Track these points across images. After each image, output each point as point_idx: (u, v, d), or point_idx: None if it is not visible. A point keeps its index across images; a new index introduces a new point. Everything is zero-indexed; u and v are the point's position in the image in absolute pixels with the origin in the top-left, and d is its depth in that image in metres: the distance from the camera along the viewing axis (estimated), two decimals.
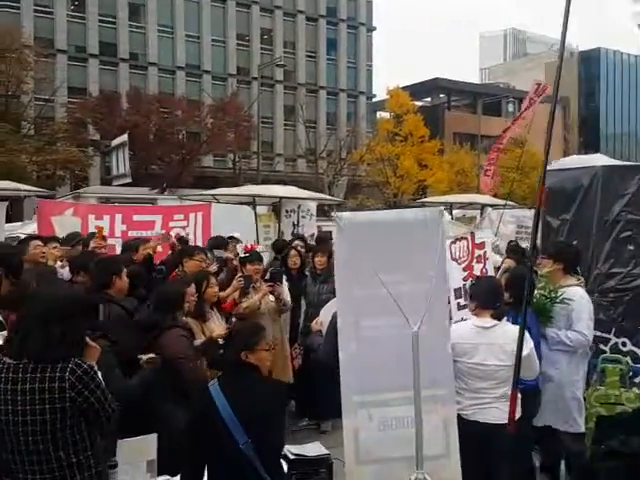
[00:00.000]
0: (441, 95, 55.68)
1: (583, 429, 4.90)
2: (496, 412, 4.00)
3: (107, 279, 4.35)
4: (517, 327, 4.09)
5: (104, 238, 6.36)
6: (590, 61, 70.76)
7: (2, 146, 26.48)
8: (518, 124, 11.18)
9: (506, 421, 3.95)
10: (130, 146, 26.75)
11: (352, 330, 3.73)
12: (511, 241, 9.70)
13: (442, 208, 3.82)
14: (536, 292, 4.77)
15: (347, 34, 51.07)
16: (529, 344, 4.00)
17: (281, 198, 13.14)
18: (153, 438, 3.20)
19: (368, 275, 3.68)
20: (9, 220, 9.65)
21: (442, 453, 3.84)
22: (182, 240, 7.64)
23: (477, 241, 6.36)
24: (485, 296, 4.23)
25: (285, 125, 47.92)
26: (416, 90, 48.04)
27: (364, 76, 51.98)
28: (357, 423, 3.73)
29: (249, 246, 6.71)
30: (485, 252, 6.41)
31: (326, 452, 3.99)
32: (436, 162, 39.81)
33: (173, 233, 10.14)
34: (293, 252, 7.25)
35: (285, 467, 3.62)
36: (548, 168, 8.23)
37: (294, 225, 13.14)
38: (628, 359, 5.50)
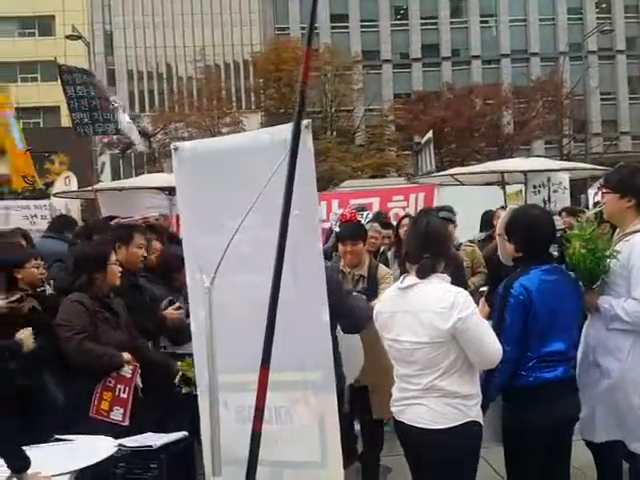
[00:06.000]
0: None
1: None
2: (421, 411, 2.71)
3: None
4: (444, 286, 2.74)
5: None
6: None
7: (327, 155, 29.40)
8: None
9: (436, 425, 2.68)
10: (442, 142, 26.77)
11: (201, 291, 2.91)
12: None
13: (308, 121, 2.69)
14: (576, 244, 3.03)
15: None
16: (455, 312, 2.57)
17: (526, 172, 11.53)
18: None
19: (214, 220, 2.87)
20: None
21: (314, 460, 2.75)
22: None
23: None
24: (408, 244, 2.88)
25: (630, 99, 42.10)
26: None
27: None
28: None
29: (347, 214, 4.74)
30: None
31: (156, 444, 3.09)
32: None
33: (391, 214, 9.34)
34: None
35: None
36: None
37: (544, 202, 11.34)
38: None
